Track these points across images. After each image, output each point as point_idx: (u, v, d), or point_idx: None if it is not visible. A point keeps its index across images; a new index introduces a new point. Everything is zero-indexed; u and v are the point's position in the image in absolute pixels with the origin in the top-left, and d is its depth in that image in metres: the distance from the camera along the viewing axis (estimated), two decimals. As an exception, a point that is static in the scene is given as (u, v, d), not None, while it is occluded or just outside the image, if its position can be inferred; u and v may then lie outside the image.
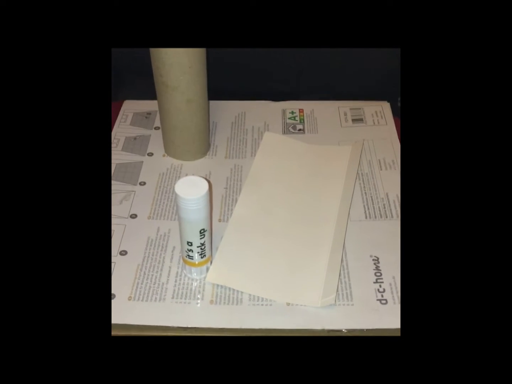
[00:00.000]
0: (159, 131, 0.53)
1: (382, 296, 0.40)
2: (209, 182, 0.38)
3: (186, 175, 0.51)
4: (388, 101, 0.60)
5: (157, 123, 0.56)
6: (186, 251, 0.39)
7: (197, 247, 0.39)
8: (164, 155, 0.52)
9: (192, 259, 0.40)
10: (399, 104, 0.96)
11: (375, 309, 0.39)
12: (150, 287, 0.40)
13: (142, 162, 0.52)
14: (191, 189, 0.36)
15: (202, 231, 0.38)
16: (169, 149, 0.52)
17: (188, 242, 0.38)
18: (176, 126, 0.49)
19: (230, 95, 0.62)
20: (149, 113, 0.58)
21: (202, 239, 0.38)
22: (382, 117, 0.57)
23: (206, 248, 0.39)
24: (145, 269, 0.42)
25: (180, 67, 0.45)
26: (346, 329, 0.38)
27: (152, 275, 0.41)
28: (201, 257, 0.40)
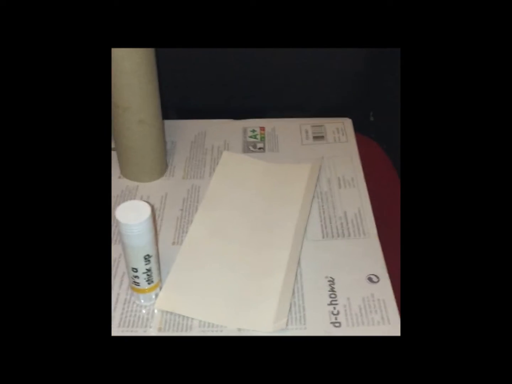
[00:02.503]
0: (115, 153, 0.52)
1: (336, 318, 0.39)
2: (152, 206, 0.37)
3: (142, 197, 0.50)
4: (351, 117, 0.60)
5: (114, 143, 0.55)
6: (132, 278, 0.38)
7: (143, 273, 0.37)
8: (119, 177, 0.51)
9: (139, 285, 0.38)
10: (371, 118, 0.96)
11: (328, 332, 0.38)
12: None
13: (98, 184, 0.51)
14: (133, 214, 0.35)
15: (147, 257, 0.37)
16: (124, 170, 0.51)
17: (133, 269, 0.37)
18: (130, 147, 0.48)
19: (194, 113, 0.62)
20: (107, 134, 0.57)
21: (148, 265, 0.37)
22: (343, 134, 0.57)
23: (153, 274, 0.38)
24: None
25: (130, 88, 0.44)
26: (297, 355, 0.37)
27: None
28: (148, 284, 0.38)
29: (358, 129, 0.59)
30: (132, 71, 0.43)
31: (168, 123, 0.58)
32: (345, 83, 0.69)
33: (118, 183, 0.51)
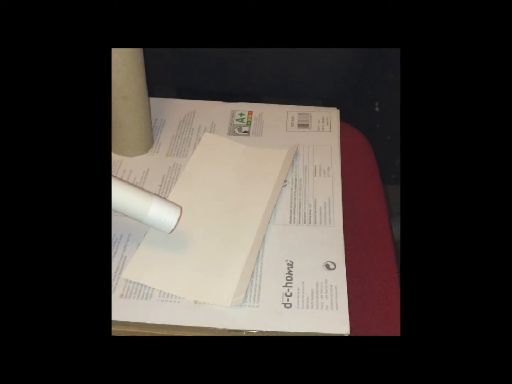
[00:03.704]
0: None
1: (288, 300, 0.41)
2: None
3: (124, 171, 0.52)
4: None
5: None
6: None
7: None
8: (106, 150, 0.54)
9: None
10: (377, 109, 0.96)
11: (278, 312, 0.40)
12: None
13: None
14: None
15: None
16: (111, 144, 0.53)
17: None
18: (115, 122, 0.50)
19: (186, 94, 0.64)
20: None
21: None
22: (327, 124, 0.58)
23: None
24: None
25: (114, 64, 0.46)
26: (245, 330, 0.39)
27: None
28: None
29: (359, 119, 0.60)
30: (116, 50, 0.45)
31: (160, 101, 0.60)
32: (343, 72, 0.70)
33: (104, 155, 0.53)
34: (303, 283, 0.42)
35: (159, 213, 0.42)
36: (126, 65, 0.46)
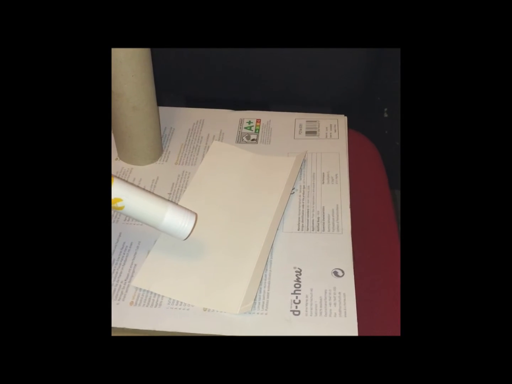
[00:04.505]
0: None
1: (296, 307, 0.41)
2: None
3: (134, 179, 0.53)
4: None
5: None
6: None
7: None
8: (116, 159, 0.55)
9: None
10: (385, 115, 0.97)
11: (287, 319, 0.40)
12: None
13: (96, 164, 0.54)
14: None
15: None
16: (120, 153, 0.54)
17: None
18: (124, 132, 0.51)
19: (194, 102, 0.64)
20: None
21: None
22: (335, 131, 0.58)
23: None
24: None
25: (123, 75, 0.47)
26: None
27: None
28: None
29: (367, 126, 0.61)
30: (126, 60, 0.46)
31: (169, 110, 0.61)
32: (351, 79, 0.71)
33: (114, 164, 0.54)
34: (311, 290, 0.42)
35: (174, 219, 0.43)
36: (136, 75, 0.47)
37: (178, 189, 0.52)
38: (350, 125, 0.60)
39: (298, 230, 0.48)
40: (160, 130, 0.55)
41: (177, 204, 0.44)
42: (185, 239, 0.44)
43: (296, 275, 0.44)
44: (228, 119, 0.60)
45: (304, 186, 0.52)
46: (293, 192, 0.51)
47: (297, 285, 0.43)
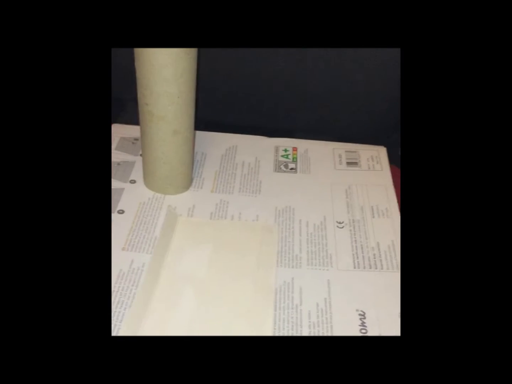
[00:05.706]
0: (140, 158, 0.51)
1: (366, 355, 0.37)
2: None
3: (168, 207, 0.48)
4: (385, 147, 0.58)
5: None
6: None
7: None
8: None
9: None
10: (399, 153, 0.95)
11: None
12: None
13: (123, 189, 0.49)
14: None
15: None
16: (149, 182, 0.49)
17: None
18: (159, 158, 0.46)
19: (221, 127, 0.61)
20: (136, 139, 0.55)
21: None
22: (377, 162, 0.55)
23: None
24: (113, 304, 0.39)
25: (169, 96, 0.42)
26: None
27: (119, 311, 0.38)
28: None
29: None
30: (174, 79, 0.41)
31: (200, 134, 0.57)
32: (380, 109, 0.68)
33: (145, 190, 0.49)
34: (380, 335, 0.38)
35: None
36: (181, 96, 0.43)
37: (217, 218, 0.47)
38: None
39: (354, 268, 0.43)
40: (194, 156, 0.50)
41: None
42: None
43: (360, 318, 0.39)
44: (262, 146, 0.57)
45: (353, 220, 0.48)
46: (342, 227, 0.47)
47: (363, 330, 0.38)
